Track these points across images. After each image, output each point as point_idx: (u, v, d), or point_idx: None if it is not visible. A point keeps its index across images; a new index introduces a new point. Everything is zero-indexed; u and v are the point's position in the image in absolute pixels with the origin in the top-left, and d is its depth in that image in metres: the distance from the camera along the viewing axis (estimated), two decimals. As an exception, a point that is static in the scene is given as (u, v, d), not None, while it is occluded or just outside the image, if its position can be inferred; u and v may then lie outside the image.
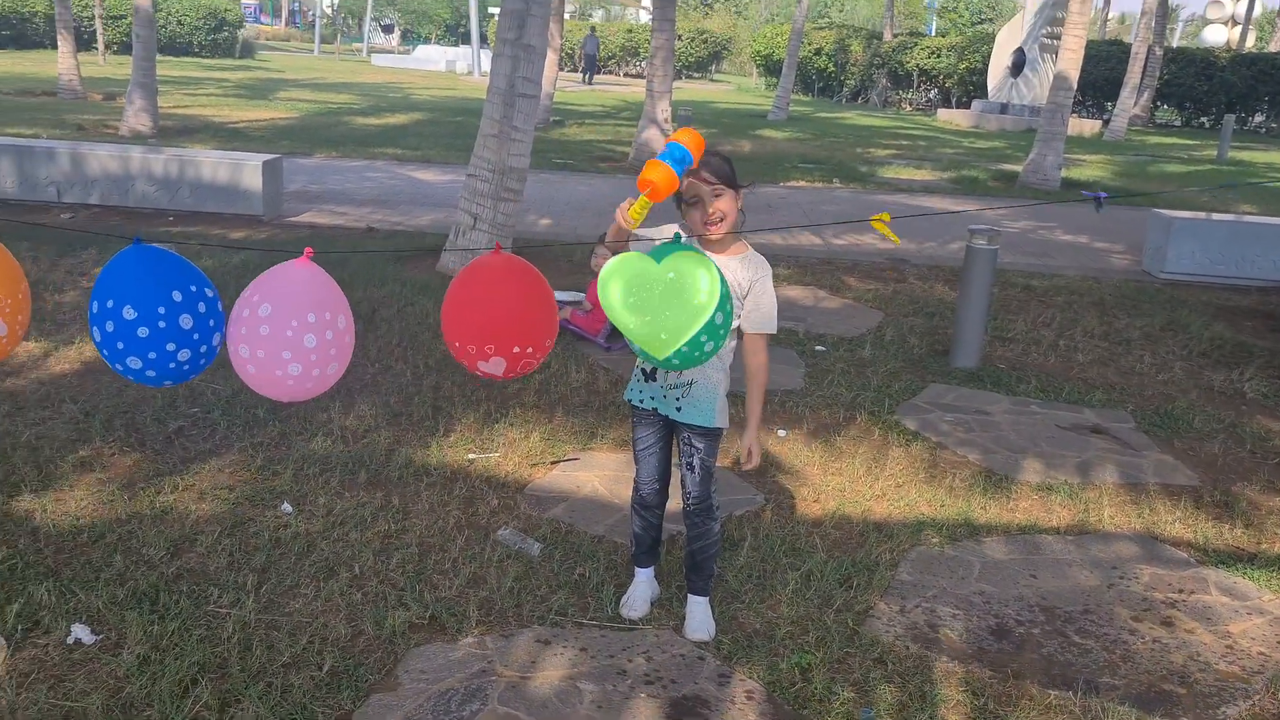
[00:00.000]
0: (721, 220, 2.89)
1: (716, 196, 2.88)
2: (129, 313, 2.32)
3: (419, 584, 3.39)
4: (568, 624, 3.23)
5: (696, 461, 3.09)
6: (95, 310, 2.39)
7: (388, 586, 3.37)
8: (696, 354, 2.50)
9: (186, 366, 2.43)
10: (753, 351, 3.05)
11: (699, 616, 3.22)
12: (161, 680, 2.80)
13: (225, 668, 2.89)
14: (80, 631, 3.00)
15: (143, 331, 2.33)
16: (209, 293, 2.44)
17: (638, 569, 3.36)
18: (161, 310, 2.34)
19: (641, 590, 3.34)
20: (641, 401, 3.11)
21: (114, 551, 3.46)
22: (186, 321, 2.38)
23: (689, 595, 3.26)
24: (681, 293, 2.44)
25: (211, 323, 2.44)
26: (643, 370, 3.08)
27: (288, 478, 4.11)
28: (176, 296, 2.36)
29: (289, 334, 2.36)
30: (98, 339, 2.39)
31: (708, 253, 2.82)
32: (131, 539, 3.56)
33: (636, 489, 3.24)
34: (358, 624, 3.15)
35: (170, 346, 2.37)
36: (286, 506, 3.87)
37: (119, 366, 2.42)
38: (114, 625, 3.05)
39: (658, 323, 2.45)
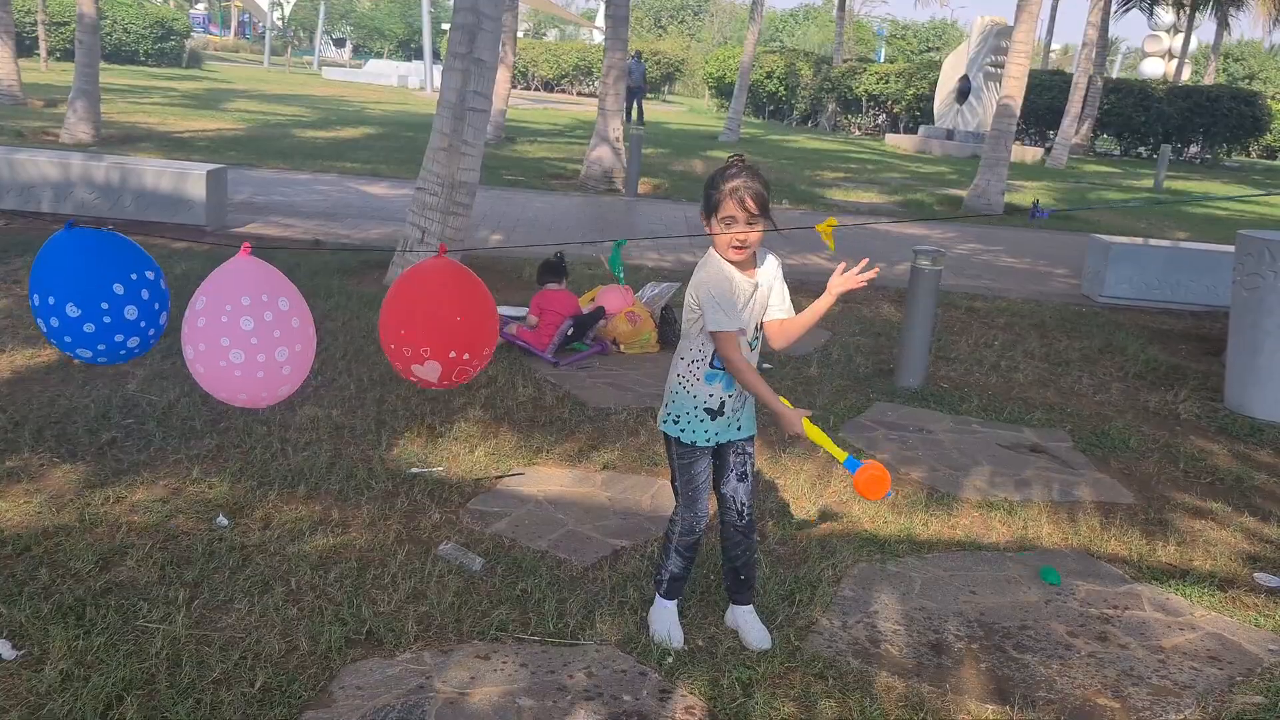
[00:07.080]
0: (745, 249, 2.96)
1: (750, 226, 2.94)
2: (72, 310, 2.27)
3: (357, 599, 3.33)
4: (508, 639, 3.19)
5: (749, 468, 3.19)
6: (36, 304, 2.34)
7: (325, 601, 3.30)
8: None
9: (137, 350, 2.45)
10: (778, 335, 3.19)
11: (759, 626, 3.27)
12: (84, 697, 2.71)
13: (153, 684, 2.81)
14: (0, 646, 2.90)
15: (89, 327, 2.29)
16: (149, 275, 2.39)
17: (668, 600, 3.26)
18: (105, 306, 2.29)
19: (676, 616, 3.28)
20: (708, 440, 3.11)
21: (39, 564, 3.36)
22: (131, 313, 2.34)
23: (738, 608, 3.29)
24: None
25: (156, 305, 2.40)
26: (706, 410, 3.07)
27: (224, 490, 4.02)
28: (119, 289, 2.31)
29: (224, 320, 2.31)
30: (45, 331, 2.37)
31: (734, 269, 2.99)
32: (58, 551, 3.45)
33: (692, 529, 3.17)
34: (292, 639, 3.08)
35: (119, 337, 2.36)
36: (222, 519, 3.78)
37: (72, 354, 2.44)
38: (37, 640, 2.95)
39: None
